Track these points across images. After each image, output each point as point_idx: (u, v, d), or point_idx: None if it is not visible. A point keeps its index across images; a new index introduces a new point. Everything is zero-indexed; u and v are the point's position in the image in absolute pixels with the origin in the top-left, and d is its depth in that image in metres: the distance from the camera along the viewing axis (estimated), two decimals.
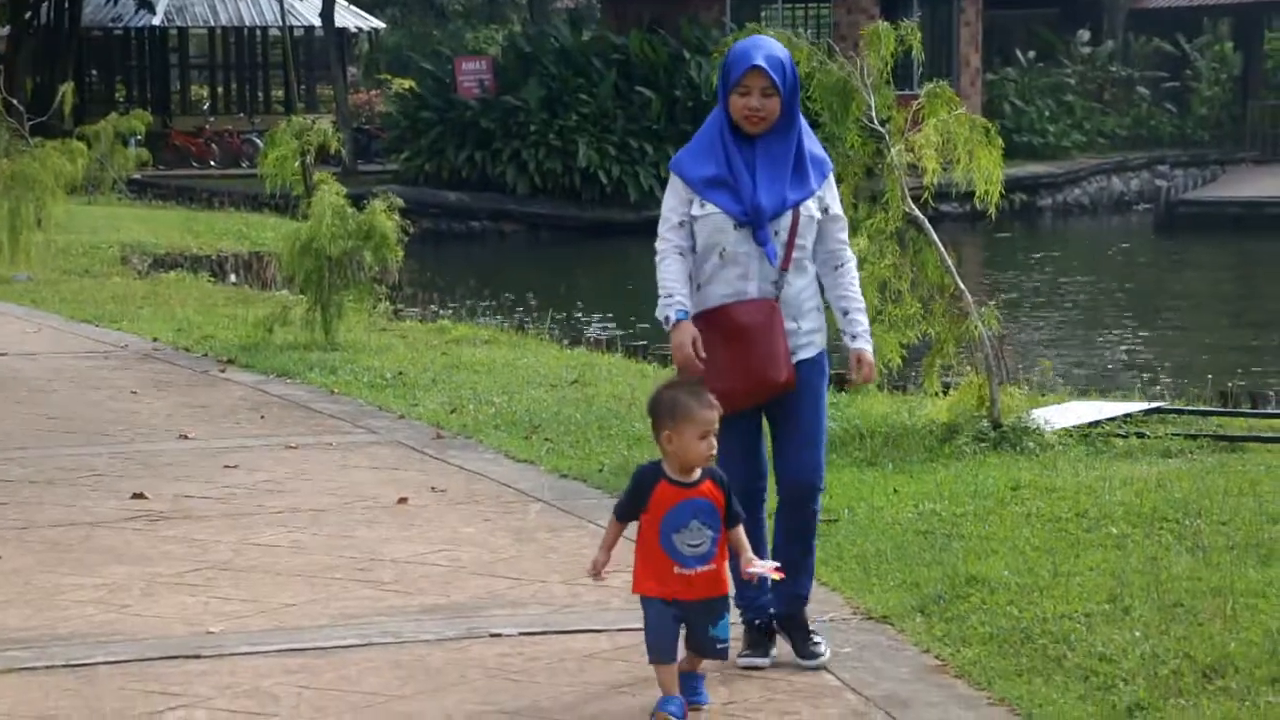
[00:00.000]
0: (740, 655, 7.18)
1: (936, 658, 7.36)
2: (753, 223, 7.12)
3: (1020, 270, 36.40)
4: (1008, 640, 7.42)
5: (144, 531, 9.65)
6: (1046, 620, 7.60)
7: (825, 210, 7.28)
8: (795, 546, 7.29)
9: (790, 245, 7.18)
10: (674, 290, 7.09)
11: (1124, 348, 25.83)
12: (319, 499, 10.36)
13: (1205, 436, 11.79)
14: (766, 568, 6.78)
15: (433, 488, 10.61)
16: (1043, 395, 13.69)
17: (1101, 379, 21.04)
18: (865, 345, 7.25)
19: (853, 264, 7.33)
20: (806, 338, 7.25)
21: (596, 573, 6.74)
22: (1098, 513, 9.49)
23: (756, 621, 7.27)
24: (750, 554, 6.73)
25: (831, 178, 7.35)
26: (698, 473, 6.61)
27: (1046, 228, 47.10)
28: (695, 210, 7.17)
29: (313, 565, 8.89)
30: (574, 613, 8.04)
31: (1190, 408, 13.17)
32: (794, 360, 7.18)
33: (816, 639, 7.29)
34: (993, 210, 11.91)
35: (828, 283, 7.32)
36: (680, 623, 6.59)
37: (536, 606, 8.16)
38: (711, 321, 7.11)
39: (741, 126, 7.15)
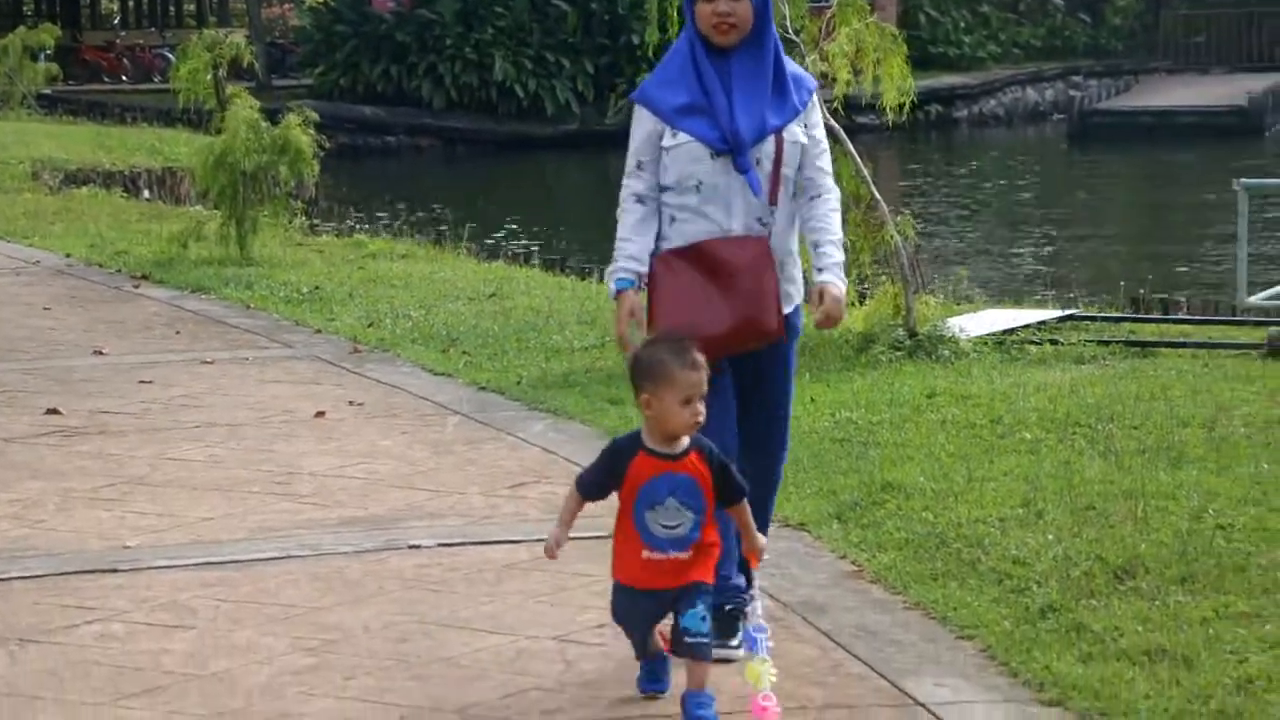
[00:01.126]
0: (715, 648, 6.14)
1: (853, 563, 7.42)
2: (731, 150, 6.33)
3: (936, 181, 36.52)
4: (923, 545, 7.49)
5: (58, 447, 9.60)
6: (961, 525, 7.67)
7: (810, 135, 6.50)
8: (758, 489, 6.42)
9: (776, 176, 6.39)
10: (622, 251, 6.37)
11: (1038, 256, 25.99)
12: (235, 414, 10.33)
13: (1118, 343, 11.90)
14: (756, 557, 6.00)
15: (350, 401, 10.59)
16: (958, 304, 13.77)
17: (1016, 287, 21.19)
18: (833, 279, 6.37)
19: (834, 197, 6.52)
20: (787, 286, 6.46)
21: (552, 552, 5.82)
22: (1012, 419, 9.56)
23: (727, 607, 6.40)
24: (755, 537, 5.94)
25: (817, 98, 6.60)
26: (683, 443, 5.78)
27: (962, 139, 47.27)
28: (666, 140, 6.39)
29: (229, 479, 8.87)
30: (492, 524, 8.06)
31: (1103, 314, 13.29)
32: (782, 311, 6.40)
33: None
34: (901, 117, 11.95)
35: (803, 214, 6.50)
36: (651, 615, 5.85)
37: (455, 518, 8.17)
38: (690, 258, 6.30)
39: (711, 38, 6.38)
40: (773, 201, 6.38)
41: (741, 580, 6.45)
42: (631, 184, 6.45)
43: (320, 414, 10.23)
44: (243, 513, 8.29)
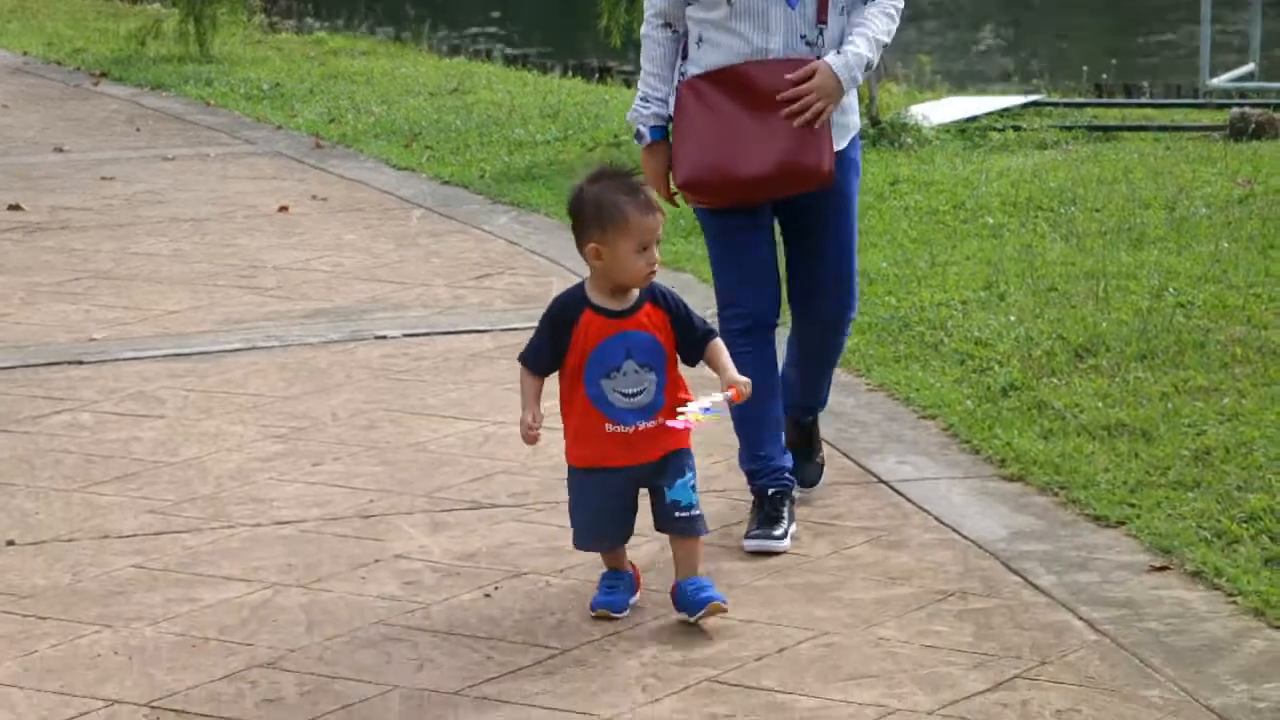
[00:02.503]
0: (748, 536, 5.45)
1: None
2: None
3: None
4: (886, 329, 7.54)
5: (21, 242, 9.58)
6: (924, 309, 7.72)
7: None
8: (812, 368, 5.78)
9: None
10: (647, 91, 5.43)
11: (1001, 44, 25.85)
12: (199, 209, 10.31)
13: (1080, 128, 11.91)
14: (731, 393, 4.92)
15: (314, 196, 10.58)
16: (921, 92, 13.74)
17: (979, 75, 21.11)
18: (836, 60, 5.34)
19: (893, 3, 5.47)
20: (840, 118, 5.46)
21: (532, 435, 4.91)
22: (974, 204, 9.59)
23: (770, 491, 5.51)
24: (734, 373, 4.93)
25: None
26: (633, 295, 4.93)
27: None
28: None
29: (195, 273, 8.88)
30: (457, 314, 8.10)
31: (1066, 100, 13.26)
32: (835, 148, 5.41)
33: (819, 458, 5.96)
34: None
35: (851, 20, 5.44)
36: (625, 497, 4.98)
37: (420, 309, 8.20)
38: (723, 84, 5.34)
39: None
40: (821, 19, 5.38)
41: (788, 460, 5.59)
42: (657, 2, 5.46)
43: (284, 209, 10.22)
44: (209, 305, 8.31)
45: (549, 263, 8.90)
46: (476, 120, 12.73)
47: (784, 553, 5.37)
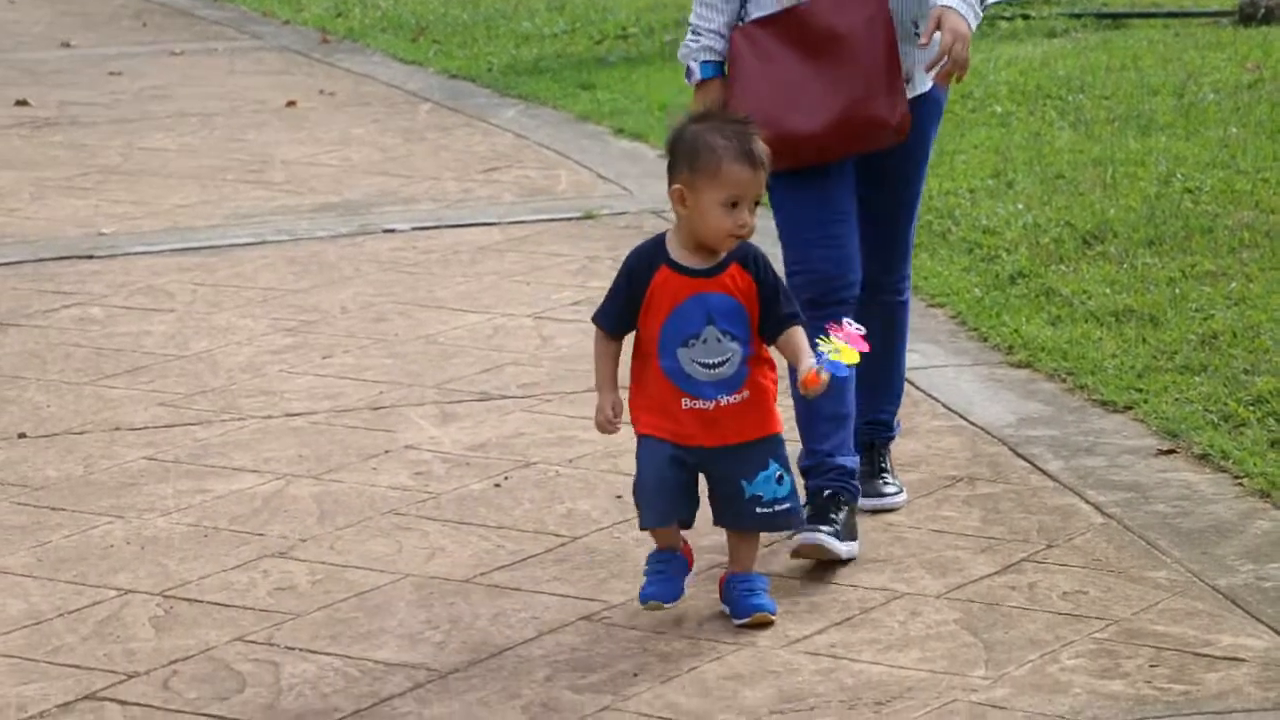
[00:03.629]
0: (802, 531, 4.57)
1: None
2: None
3: None
4: None
5: (30, 138, 9.57)
6: (932, 198, 7.70)
7: None
8: (873, 363, 4.59)
9: None
10: (697, 23, 4.72)
11: None
12: (206, 103, 10.29)
13: (1089, 15, 11.83)
14: (844, 342, 4.19)
15: (321, 91, 10.55)
16: None
17: None
18: (957, 2, 4.57)
19: None
20: (920, 54, 4.69)
21: (611, 424, 4.31)
22: (983, 93, 9.55)
23: (826, 492, 4.69)
24: (810, 360, 4.20)
25: None
26: (719, 256, 4.31)
27: None
28: None
29: (203, 168, 8.87)
30: (466, 207, 8.09)
31: None
32: (912, 92, 4.70)
33: (889, 481, 5.00)
34: None
35: None
36: (689, 473, 4.32)
37: (429, 202, 8.19)
38: (781, 29, 4.66)
39: None
40: None
41: (853, 461, 4.75)
42: None
43: (291, 103, 10.19)
44: (217, 200, 8.31)
45: (557, 156, 8.88)
46: (483, 13, 12.68)
47: (837, 559, 4.56)
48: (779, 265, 4.53)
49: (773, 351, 4.33)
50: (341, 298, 6.89)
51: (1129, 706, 3.85)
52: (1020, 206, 7.48)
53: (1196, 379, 5.67)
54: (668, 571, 4.34)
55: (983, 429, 5.48)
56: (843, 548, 4.57)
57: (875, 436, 4.97)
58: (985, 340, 6.23)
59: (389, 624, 4.35)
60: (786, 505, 4.31)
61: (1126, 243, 6.96)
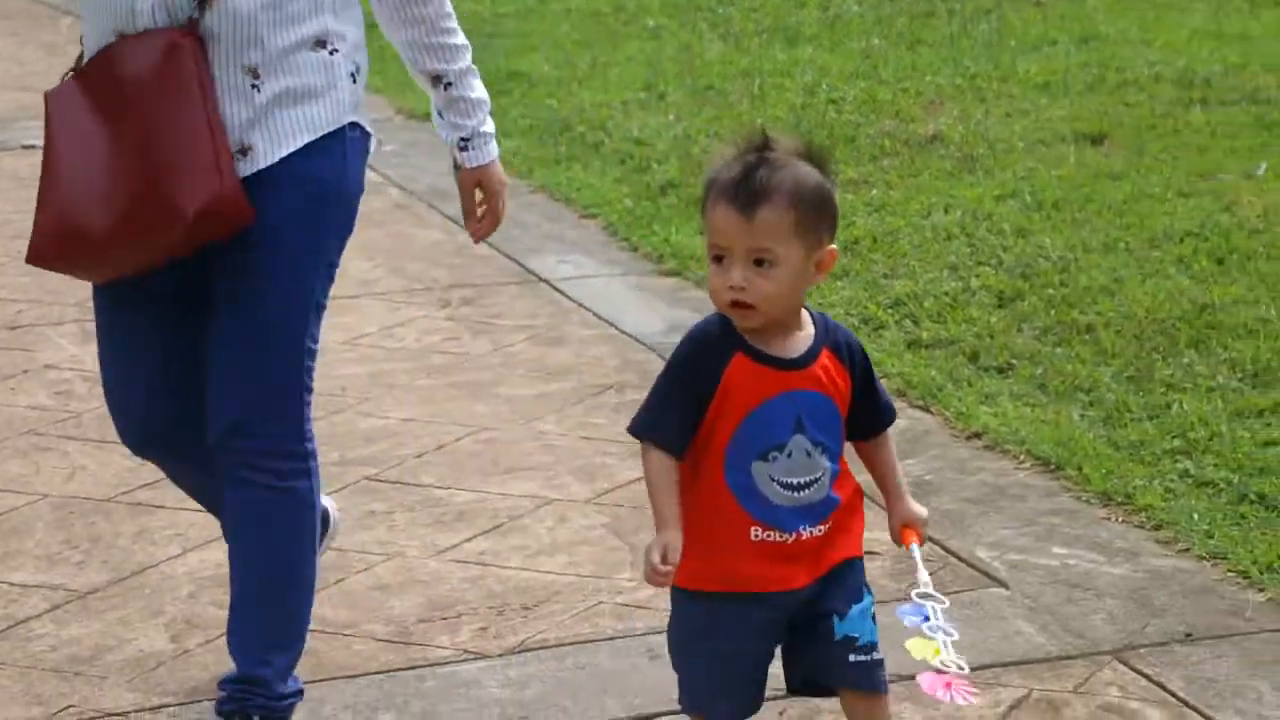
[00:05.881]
0: None
1: None
2: None
3: None
4: (547, 131, 7.54)
5: None
6: (585, 110, 7.73)
7: None
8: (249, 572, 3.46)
9: None
10: None
11: None
12: None
13: None
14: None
15: None
16: None
17: None
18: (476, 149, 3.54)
19: None
20: (289, 105, 3.30)
21: (662, 575, 2.94)
22: (635, 6, 9.60)
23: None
24: (910, 501, 3.13)
25: None
26: (805, 336, 3.02)
27: None
28: None
29: None
30: None
31: None
32: (252, 166, 3.27)
33: None
34: None
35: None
36: (770, 640, 3.08)
37: None
38: (87, 84, 3.27)
39: None
40: None
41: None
42: None
43: None
44: None
45: None
46: None
47: None
48: None
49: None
50: None
51: None
52: (671, 118, 7.54)
53: (839, 284, 5.78)
54: None
55: (632, 337, 5.53)
56: None
57: (246, 703, 3.43)
58: (636, 250, 6.28)
59: (25, 545, 4.23)
60: (878, 655, 3.07)
61: None
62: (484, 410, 5.00)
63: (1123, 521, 4.25)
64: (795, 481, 3.00)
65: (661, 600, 3.92)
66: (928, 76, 8.00)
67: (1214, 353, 5.05)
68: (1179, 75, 7.88)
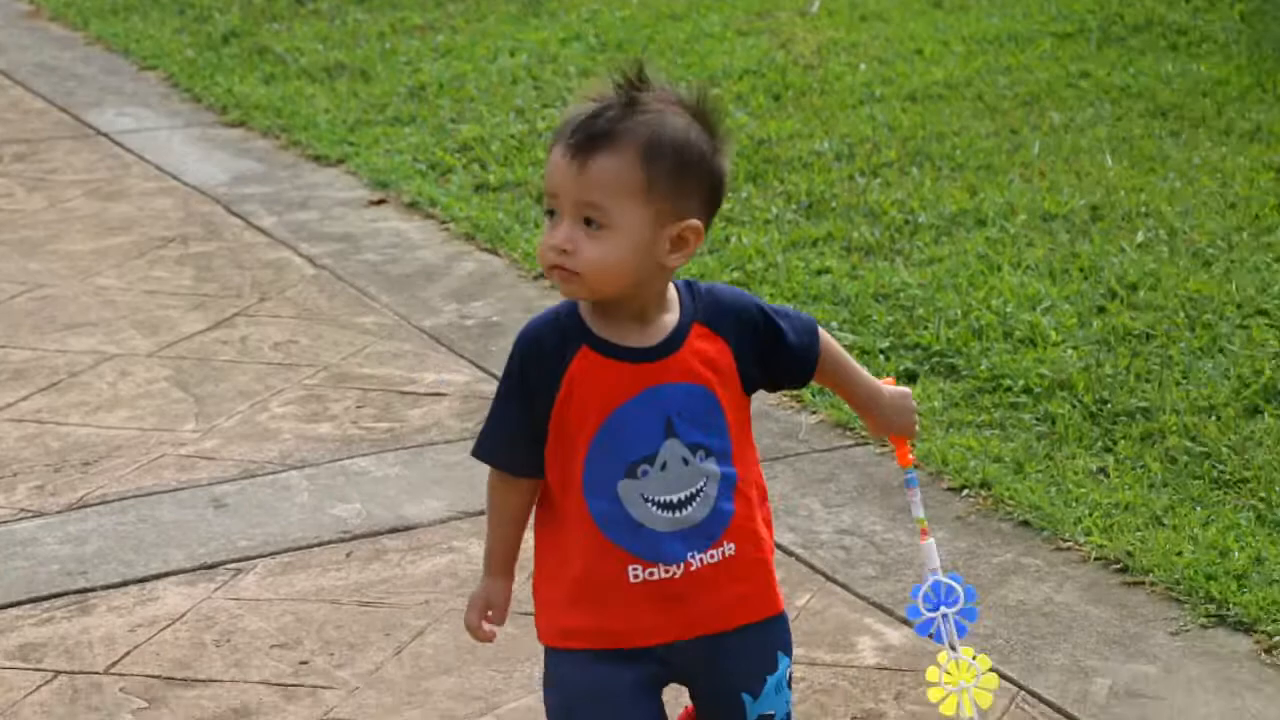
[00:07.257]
0: None
1: (30, 3, 7.21)
2: None
3: None
4: None
5: None
6: None
7: None
8: None
9: None
10: None
11: None
12: None
13: None
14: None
15: None
16: None
17: None
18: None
19: None
20: None
21: (483, 632, 2.47)
22: None
23: None
24: (885, 412, 2.59)
25: None
26: (669, 318, 2.42)
27: None
28: None
29: None
30: None
31: None
32: None
33: None
34: None
35: None
36: (654, 701, 2.48)
37: None
38: None
39: None
40: None
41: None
42: None
43: None
44: None
45: None
46: None
47: None
48: None
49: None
50: None
51: (336, 447, 3.91)
52: None
53: (406, 130, 5.75)
54: None
55: (196, 188, 5.42)
56: None
57: None
58: (199, 101, 6.16)
59: None
60: None
61: (337, 0, 6.97)
62: (38, 267, 4.86)
63: None
64: (675, 499, 2.40)
65: (227, 450, 3.91)
66: None
67: (771, 186, 5.16)
68: None
